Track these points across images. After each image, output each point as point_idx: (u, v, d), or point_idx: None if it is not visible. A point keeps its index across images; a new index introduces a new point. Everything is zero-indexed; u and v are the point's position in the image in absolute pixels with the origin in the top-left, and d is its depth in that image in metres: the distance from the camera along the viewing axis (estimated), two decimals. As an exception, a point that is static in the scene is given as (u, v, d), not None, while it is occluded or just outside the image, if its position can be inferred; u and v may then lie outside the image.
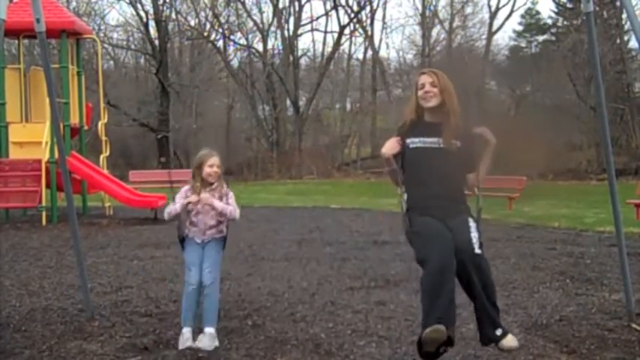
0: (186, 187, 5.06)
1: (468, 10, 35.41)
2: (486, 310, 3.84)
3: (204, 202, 4.94)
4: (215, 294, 4.92)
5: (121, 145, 29.46)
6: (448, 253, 3.74)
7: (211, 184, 5.00)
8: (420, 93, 4.05)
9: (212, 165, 4.98)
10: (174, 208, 5.00)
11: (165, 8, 32.67)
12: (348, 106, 38.67)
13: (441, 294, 3.69)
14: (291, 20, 33.76)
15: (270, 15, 33.96)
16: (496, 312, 3.89)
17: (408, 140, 4.07)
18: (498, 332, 3.82)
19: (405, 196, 4.07)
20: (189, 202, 4.93)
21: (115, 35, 34.60)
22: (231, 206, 5.01)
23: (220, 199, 4.99)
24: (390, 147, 4.05)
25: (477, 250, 3.79)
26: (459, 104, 4.05)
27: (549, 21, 36.36)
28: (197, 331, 4.86)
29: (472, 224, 3.94)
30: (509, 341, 3.83)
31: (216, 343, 4.78)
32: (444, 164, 3.98)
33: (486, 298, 3.86)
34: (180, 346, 4.76)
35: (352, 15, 33.48)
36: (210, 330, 4.82)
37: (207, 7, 33.05)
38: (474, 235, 3.87)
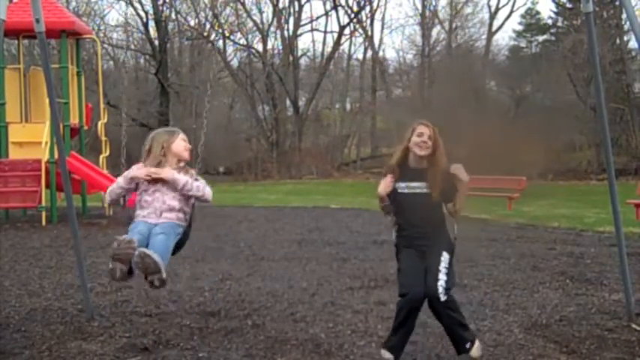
0: (139, 165, 4.29)
1: (468, 10, 35.46)
2: (454, 331, 4.38)
3: (164, 175, 4.14)
4: (164, 243, 4.06)
5: (121, 145, 29.44)
6: (417, 298, 4.32)
7: (179, 162, 4.27)
8: (417, 140, 4.48)
9: (185, 139, 4.31)
10: (118, 185, 4.20)
11: (165, 8, 32.71)
12: (348, 106, 38.73)
13: (404, 326, 4.36)
14: (291, 20, 33.82)
15: (270, 15, 34.05)
16: (463, 329, 4.39)
17: (396, 185, 4.53)
18: (467, 345, 4.37)
19: (395, 228, 4.62)
20: (148, 176, 4.10)
21: (115, 35, 34.65)
22: (198, 182, 4.24)
23: (186, 174, 4.24)
24: (385, 187, 4.51)
25: (442, 298, 4.30)
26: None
27: (549, 21, 36.40)
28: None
29: (444, 263, 4.40)
30: (476, 351, 4.37)
31: (165, 274, 4.06)
32: (427, 206, 4.49)
33: (454, 324, 4.37)
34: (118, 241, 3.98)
35: (352, 15, 33.49)
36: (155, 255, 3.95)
37: (207, 7, 33.06)
38: (442, 278, 4.33)
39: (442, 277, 4.34)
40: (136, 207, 4.25)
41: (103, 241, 10.60)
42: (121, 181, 4.21)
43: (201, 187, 4.22)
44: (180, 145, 4.26)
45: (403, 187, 4.52)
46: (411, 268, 4.45)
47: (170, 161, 4.24)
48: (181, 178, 4.18)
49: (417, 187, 4.50)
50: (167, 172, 4.15)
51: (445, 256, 4.44)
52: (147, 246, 4.00)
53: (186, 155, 4.29)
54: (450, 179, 4.47)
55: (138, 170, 4.21)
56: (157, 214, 4.16)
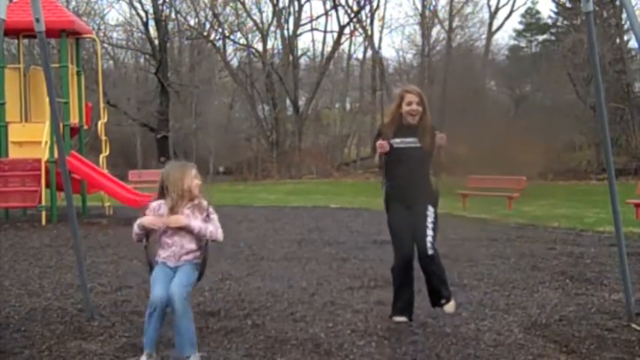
0: (159, 202, 4.40)
1: (468, 9, 35.45)
2: (434, 285, 5.03)
3: (177, 224, 4.29)
4: (189, 312, 4.25)
5: (121, 145, 29.46)
6: (409, 252, 4.96)
7: (192, 199, 4.37)
8: (407, 109, 5.12)
9: (196, 175, 4.38)
10: (135, 231, 4.35)
11: (165, 8, 32.71)
12: (348, 105, 38.73)
13: (404, 285, 5.02)
14: (291, 20, 33.82)
15: (270, 15, 34.05)
16: (443, 285, 5.06)
17: (391, 141, 5.10)
18: (442, 301, 5.05)
19: (385, 182, 5.23)
20: (154, 227, 4.29)
21: (115, 35, 34.66)
22: (211, 225, 4.35)
23: (205, 214, 4.37)
24: (385, 147, 5.05)
25: (430, 252, 4.90)
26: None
27: (549, 21, 36.39)
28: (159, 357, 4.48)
29: (430, 218, 5.02)
30: (449, 307, 5.06)
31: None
32: (418, 158, 5.09)
33: (436, 278, 5.04)
34: None
35: (352, 15, 33.48)
36: (194, 357, 4.23)
37: (207, 6, 33.06)
38: (430, 234, 4.96)
39: (429, 233, 4.95)
40: (157, 245, 4.45)
41: (103, 241, 10.61)
42: (136, 229, 4.37)
43: (214, 232, 4.36)
44: (194, 182, 4.37)
45: (398, 142, 5.13)
46: (400, 228, 5.07)
47: (185, 198, 4.37)
48: (195, 225, 4.32)
49: (411, 142, 5.12)
50: (181, 221, 4.30)
51: (430, 210, 5.06)
52: (168, 283, 4.24)
53: (196, 192, 4.38)
54: (434, 135, 5.03)
55: (154, 220, 4.36)
56: (176, 258, 4.36)
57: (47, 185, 13.47)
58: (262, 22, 33.89)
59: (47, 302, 6.23)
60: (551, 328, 5.17)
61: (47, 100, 10.00)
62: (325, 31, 35.66)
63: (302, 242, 10.19)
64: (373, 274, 7.45)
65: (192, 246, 4.37)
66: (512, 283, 6.84)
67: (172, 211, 4.33)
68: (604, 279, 7.03)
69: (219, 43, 33.87)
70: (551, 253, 8.85)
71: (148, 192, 15.00)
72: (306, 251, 9.29)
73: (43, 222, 12.98)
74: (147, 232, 4.39)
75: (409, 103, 5.14)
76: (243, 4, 33.22)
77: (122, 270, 7.95)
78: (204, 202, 4.42)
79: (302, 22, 34.20)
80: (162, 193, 4.39)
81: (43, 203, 13.19)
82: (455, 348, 4.54)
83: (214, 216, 4.41)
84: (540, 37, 37.67)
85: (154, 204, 4.40)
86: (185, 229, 4.32)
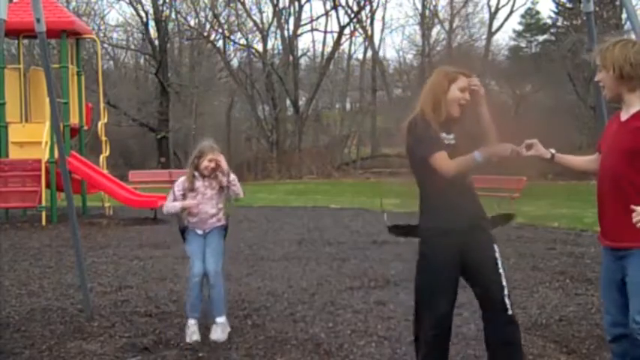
0: (183, 179, 5.15)
1: (468, 10, 35.43)
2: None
3: (195, 207, 5.05)
4: (220, 284, 5.04)
5: (121, 145, 29.46)
6: (446, 312, 3.63)
7: (205, 176, 5.07)
8: (459, 95, 3.59)
9: (212, 160, 5.02)
10: (172, 206, 5.09)
11: (165, 8, 32.67)
12: (348, 106, 38.70)
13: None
14: (291, 20, 33.77)
15: (270, 15, 33.98)
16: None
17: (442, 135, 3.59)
18: None
19: (424, 208, 3.67)
20: (190, 206, 5.06)
21: (115, 35, 34.64)
22: (236, 185, 5.09)
23: (220, 184, 5.07)
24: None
25: (510, 311, 3.52)
26: None
27: (549, 21, 36.36)
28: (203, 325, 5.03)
29: (499, 259, 3.61)
30: None
31: (229, 329, 5.03)
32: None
33: (511, 354, 3.58)
34: (188, 339, 4.87)
35: (352, 15, 33.47)
36: (221, 319, 5.00)
37: (207, 7, 33.05)
38: (505, 284, 3.58)
39: (504, 283, 3.56)
40: (185, 213, 5.12)
41: (103, 241, 10.61)
42: (176, 206, 5.08)
43: (240, 192, 5.17)
44: (203, 164, 5.03)
45: (449, 137, 3.63)
46: (440, 273, 3.59)
47: (201, 174, 5.08)
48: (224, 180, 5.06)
49: (451, 139, 3.62)
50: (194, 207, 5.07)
51: (497, 249, 3.64)
52: (204, 255, 5.05)
53: (205, 173, 5.05)
54: (479, 129, 3.64)
55: (191, 203, 5.08)
56: (203, 223, 5.09)
57: (47, 185, 13.47)
58: (262, 23, 33.87)
59: (47, 302, 6.23)
60: (552, 328, 5.17)
61: (47, 100, 9.99)
62: (325, 32, 35.63)
63: (302, 242, 10.19)
64: (373, 274, 7.45)
65: (214, 210, 5.08)
66: (512, 283, 6.79)
67: (190, 185, 5.05)
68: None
69: (220, 44, 33.87)
70: (551, 253, 8.86)
71: (148, 192, 15.01)
72: (306, 251, 9.30)
73: (43, 222, 12.98)
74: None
75: (463, 90, 3.61)
76: (243, 4, 33.22)
77: (122, 270, 7.95)
78: (224, 175, 5.05)
79: (302, 22, 34.17)
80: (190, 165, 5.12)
81: (43, 203, 13.19)
82: (455, 348, 4.54)
83: (235, 181, 5.09)
84: (540, 38, 37.64)
85: (180, 179, 5.14)
86: (208, 197, 5.05)
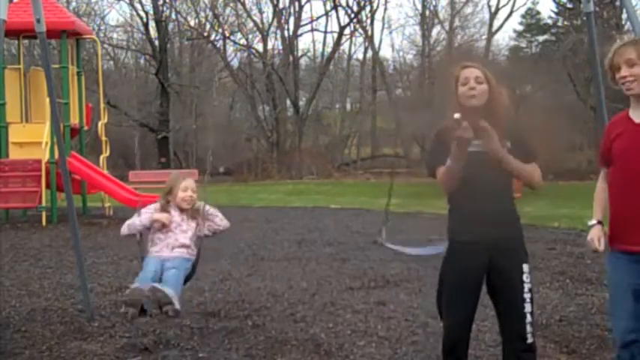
0: (156, 205, 4.63)
1: (468, 10, 35.45)
2: None
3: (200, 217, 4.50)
4: (176, 276, 4.27)
5: (121, 146, 29.48)
6: (459, 332, 3.44)
7: (184, 210, 4.57)
8: (464, 90, 3.30)
9: (186, 189, 4.55)
10: (137, 220, 4.48)
11: (165, 8, 32.69)
12: (348, 106, 38.73)
13: None
14: (291, 20, 33.80)
15: (270, 15, 34.02)
16: None
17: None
18: None
19: (450, 221, 3.46)
20: (162, 220, 4.45)
21: (115, 35, 34.67)
22: (217, 218, 4.63)
23: (194, 218, 4.57)
24: (466, 133, 3.13)
25: (530, 339, 3.32)
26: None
27: (549, 21, 36.36)
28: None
29: (527, 284, 3.38)
30: None
31: (178, 307, 4.14)
32: (489, 173, 3.27)
33: None
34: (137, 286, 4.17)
35: (352, 15, 33.48)
36: (170, 292, 4.14)
37: (207, 7, 33.06)
38: (528, 310, 3.35)
39: (528, 309, 3.35)
40: (147, 244, 4.55)
41: (103, 242, 10.61)
42: (144, 220, 4.48)
43: (224, 222, 4.67)
44: (179, 196, 4.53)
45: (475, 144, 3.26)
46: (456, 290, 3.38)
47: (176, 206, 4.58)
48: (217, 222, 4.61)
49: (476, 145, 3.24)
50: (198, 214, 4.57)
51: (526, 271, 3.39)
52: (160, 280, 4.24)
53: (184, 205, 4.55)
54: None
55: (167, 217, 4.52)
56: (169, 249, 4.45)
57: (47, 186, 13.48)
58: (262, 23, 33.91)
59: (47, 303, 6.23)
60: (552, 328, 5.17)
61: (47, 100, 10.00)
62: (325, 32, 35.70)
63: (302, 242, 10.19)
64: (373, 274, 7.45)
65: (187, 241, 4.52)
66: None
67: (163, 211, 4.54)
68: (604, 279, 7.02)
69: (220, 44, 33.88)
70: (552, 254, 8.86)
71: (148, 193, 15.01)
72: (307, 251, 9.30)
73: (44, 222, 12.98)
74: (145, 229, 4.53)
75: (464, 83, 3.31)
76: (243, 4, 33.23)
77: (122, 270, 7.95)
78: (199, 205, 4.60)
79: (302, 22, 34.20)
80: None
81: (44, 204, 13.19)
82: (455, 348, 4.54)
83: (212, 210, 4.60)
84: (540, 38, 37.64)
85: (152, 205, 4.62)
86: (181, 227, 4.52)
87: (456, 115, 3.08)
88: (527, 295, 3.36)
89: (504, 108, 3.36)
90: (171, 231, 4.50)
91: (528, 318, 3.34)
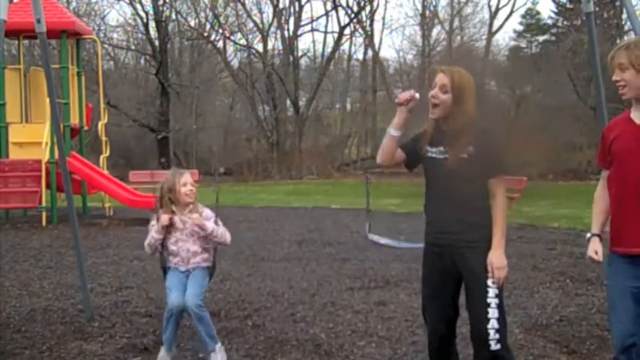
0: (158, 214, 4.56)
1: (468, 10, 35.45)
2: None
3: (194, 222, 4.42)
4: (205, 314, 4.40)
5: (121, 146, 29.46)
6: (438, 328, 3.47)
7: (188, 204, 4.50)
8: (430, 92, 3.34)
9: (185, 183, 4.48)
10: (151, 236, 4.50)
11: (165, 8, 32.68)
12: (348, 106, 38.70)
13: None
14: (291, 20, 33.77)
15: (270, 15, 33.98)
16: None
17: (426, 148, 3.41)
18: None
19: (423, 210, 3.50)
20: (167, 222, 4.43)
21: (115, 35, 34.64)
22: (221, 228, 4.53)
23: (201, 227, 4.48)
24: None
25: (494, 345, 3.20)
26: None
27: (549, 21, 36.36)
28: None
29: (492, 287, 3.27)
30: None
31: (225, 356, 4.47)
32: (445, 178, 3.31)
33: None
34: None
35: (352, 15, 33.48)
36: (217, 345, 4.44)
37: (207, 7, 33.05)
38: (493, 315, 3.23)
39: (493, 314, 3.23)
40: (167, 256, 4.61)
41: (103, 242, 10.61)
42: (155, 234, 4.51)
43: (223, 232, 4.52)
44: (182, 191, 4.47)
45: (432, 150, 3.38)
46: (426, 295, 3.49)
47: (181, 205, 4.51)
48: (207, 226, 4.45)
49: (435, 151, 3.35)
50: (197, 219, 4.45)
51: (491, 283, 3.30)
52: (185, 291, 4.39)
53: (189, 199, 4.50)
54: (487, 141, 3.26)
55: (165, 217, 4.48)
56: (185, 262, 4.50)
57: (47, 186, 13.47)
58: (263, 23, 33.88)
59: (48, 303, 6.24)
60: (552, 328, 5.17)
61: (48, 100, 10.00)
62: (326, 32, 35.64)
63: (302, 243, 10.19)
64: (373, 274, 7.45)
65: (197, 248, 4.50)
66: (512, 284, 6.82)
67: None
68: (604, 279, 7.02)
69: (220, 44, 33.88)
70: (552, 254, 8.86)
71: (149, 193, 15.01)
72: (307, 252, 9.30)
73: (44, 223, 12.98)
74: (162, 241, 4.53)
75: (433, 87, 3.35)
76: (243, 4, 33.22)
77: (122, 271, 7.96)
78: (202, 208, 4.55)
79: (302, 22, 34.17)
80: (160, 204, 4.54)
81: (44, 204, 13.19)
82: (455, 348, 4.54)
83: (220, 222, 4.56)
84: (540, 38, 37.65)
85: (152, 222, 4.56)
86: (188, 232, 4.47)
87: (417, 95, 3.30)
88: (492, 300, 3.25)
89: (470, 117, 3.30)
90: (180, 240, 4.50)
91: (493, 323, 3.23)
